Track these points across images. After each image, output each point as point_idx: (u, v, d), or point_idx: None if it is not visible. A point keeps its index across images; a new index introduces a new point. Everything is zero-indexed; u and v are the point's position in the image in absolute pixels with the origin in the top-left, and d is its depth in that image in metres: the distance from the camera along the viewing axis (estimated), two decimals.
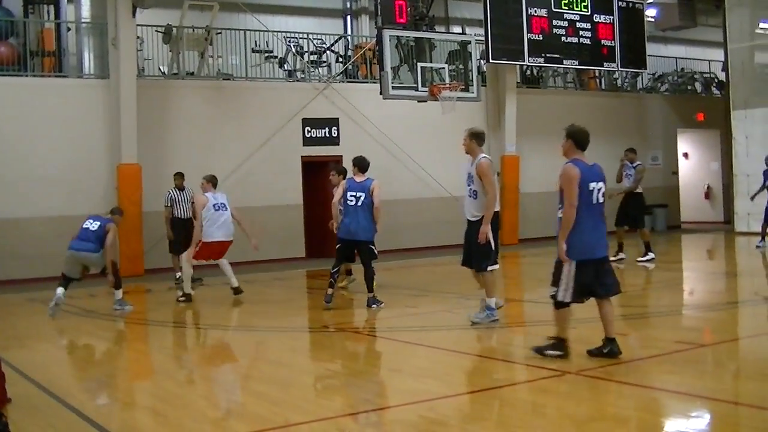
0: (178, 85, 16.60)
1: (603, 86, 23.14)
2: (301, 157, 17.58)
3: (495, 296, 8.50)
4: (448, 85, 14.79)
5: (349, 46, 19.94)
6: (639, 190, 14.27)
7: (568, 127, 6.73)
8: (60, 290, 10.39)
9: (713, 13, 23.42)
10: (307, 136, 17.65)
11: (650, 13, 22.62)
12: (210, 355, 8.59)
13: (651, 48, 21.36)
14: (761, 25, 20.55)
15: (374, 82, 17.08)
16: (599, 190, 6.52)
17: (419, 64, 14.66)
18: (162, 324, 10.35)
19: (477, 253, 8.30)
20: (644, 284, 12.60)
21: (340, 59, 19.29)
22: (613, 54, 19.28)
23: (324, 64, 18.68)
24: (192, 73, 17.05)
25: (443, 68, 15.13)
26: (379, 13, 14.82)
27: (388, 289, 11.27)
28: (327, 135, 17.83)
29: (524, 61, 18.24)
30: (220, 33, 17.47)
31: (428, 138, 18.48)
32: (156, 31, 16.67)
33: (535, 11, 17.99)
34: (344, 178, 10.76)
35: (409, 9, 14.52)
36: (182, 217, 13.38)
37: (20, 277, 14.36)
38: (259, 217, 16.59)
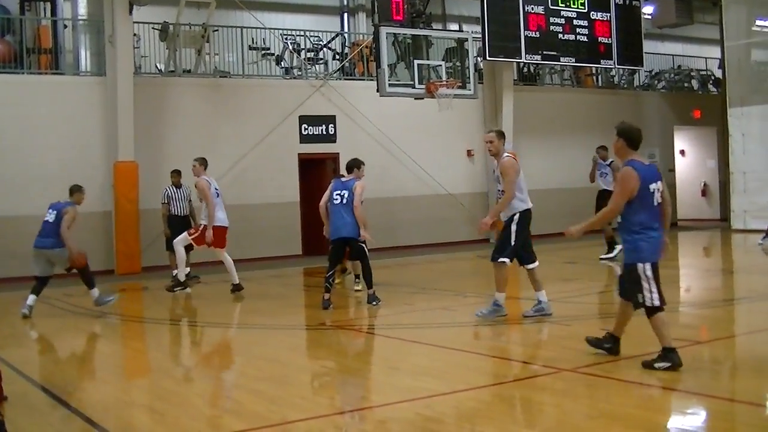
0: (175, 83, 16.58)
1: (600, 84, 23.10)
2: (298, 154, 17.57)
3: (504, 292, 8.59)
4: (445, 83, 14.78)
5: (346, 44, 19.92)
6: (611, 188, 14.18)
7: (619, 125, 6.32)
8: (31, 298, 9.91)
9: (710, 10, 23.45)
10: (304, 133, 17.63)
11: (647, 10, 22.61)
12: (207, 352, 8.60)
13: (648, 45, 21.34)
14: (758, 22, 20.58)
15: (371, 80, 17.10)
16: (658, 190, 6.24)
17: (416, 62, 14.65)
18: (159, 322, 10.34)
19: (497, 244, 8.67)
20: None
21: (337, 57, 19.28)
22: (610, 51, 19.28)
23: (321, 62, 18.67)
24: (189, 71, 17.01)
25: (440, 65, 15.13)
26: (376, 11, 14.85)
27: (386, 287, 11.26)
28: (324, 132, 17.82)
29: (521, 59, 18.23)
30: (217, 30, 17.45)
31: (425, 135, 18.47)
32: (153, 28, 16.65)
33: (532, 8, 18.01)
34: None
35: (406, 6, 14.49)
36: (179, 214, 13.35)
37: (17, 275, 14.32)
38: (256, 214, 16.64)
